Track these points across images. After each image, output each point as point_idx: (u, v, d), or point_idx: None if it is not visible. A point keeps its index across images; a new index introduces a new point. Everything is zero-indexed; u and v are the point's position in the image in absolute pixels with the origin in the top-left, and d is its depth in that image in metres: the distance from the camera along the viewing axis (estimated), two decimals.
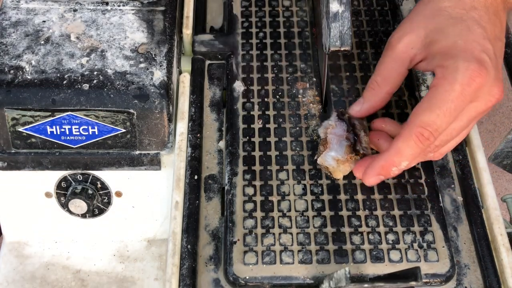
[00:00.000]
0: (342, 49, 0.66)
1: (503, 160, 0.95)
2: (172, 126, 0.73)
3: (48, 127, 0.70)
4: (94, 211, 0.78)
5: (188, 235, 0.67)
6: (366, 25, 0.83)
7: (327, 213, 0.68)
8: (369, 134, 0.70)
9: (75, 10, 0.75)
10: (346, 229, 0.67)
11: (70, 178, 0.75)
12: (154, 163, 0.73)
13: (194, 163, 0.72)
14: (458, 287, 0.66)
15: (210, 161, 0.73)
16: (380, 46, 0.80)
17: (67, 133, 0.70)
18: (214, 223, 0.69)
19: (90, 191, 0.75)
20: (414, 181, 0.70)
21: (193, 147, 0.73)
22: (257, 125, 0.74)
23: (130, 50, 0.72)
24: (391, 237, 0.66)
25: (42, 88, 0.68)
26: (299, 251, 0.65)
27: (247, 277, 0.64)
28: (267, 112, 0.75)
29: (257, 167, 0.71)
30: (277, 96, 0.76)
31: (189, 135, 0.74)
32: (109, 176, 0.75)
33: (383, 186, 0.70)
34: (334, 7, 0.65)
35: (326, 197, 0.69)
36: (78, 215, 0.78)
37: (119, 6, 0.76)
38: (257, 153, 0.72)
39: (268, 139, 0.73)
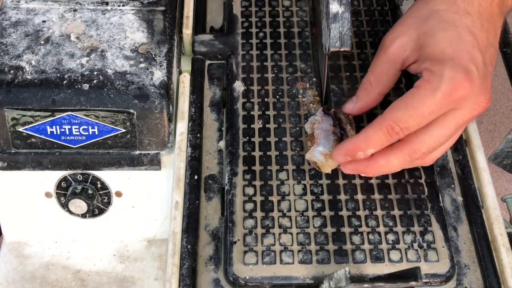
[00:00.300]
0: (342, 49, 0.66)
1: (503, 160, 0.95)
2: (172, 126, 0.73)
3: (48, 127, 0.70)
4: (94, 211, 0.78)
5: (188, 235, 0.67)
6: (366, 25, 0.83)
7: (327, 213, 0.68)
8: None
9: (75, 10, 0.75)
10: (346, 229, 0.67)
11: (70, 178, 0.75)
12: (154, 163, 0.73)
13: (194, 163, 0.72)
14: (458, 287, 0.66)
15: (210, 161, 0.73)
16: None
17: (67, 133, 0.70)
18: (214, 223, 0.69)
19: (90, 191, 0.75)
20: (414, 181, 0.70)
21: (193, 147, 0.73)
22: (257, 125, 0.74)
23: (130, 50, 0.72)
24: (391, 237, 0.66)
25: (42, 88, 0.68)
26: (299, 251, 0.65)
27: (247, 277, 0.64)
28: (267, 112, 0.75)
29: (257, 167, 0.71)
30: (277, 96, 0.76)
31: (189, 135, 0.74)
32: (109, 176, 0.75)
33: (383, 186, 0.70)
34: (334, 7, 0.65)
35: (326, 197, 0.69)
36: (78, 215, 0.78)
37: (119, 6, 0.76)
38: (257, 153, 0.72)
39: (268, 139, 0.73)
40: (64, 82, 0.69)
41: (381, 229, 0.67)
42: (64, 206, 0.77)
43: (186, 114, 0.75)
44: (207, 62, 0.81)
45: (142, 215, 0.79)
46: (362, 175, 0.69)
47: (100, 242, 0.80)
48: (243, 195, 0.69)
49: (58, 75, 0.69)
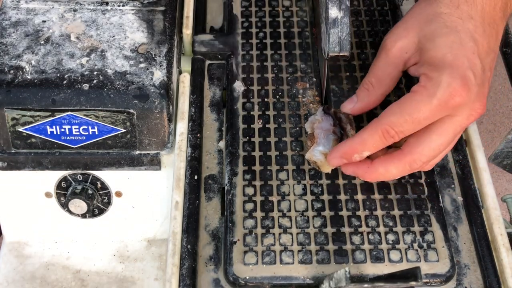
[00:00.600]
0: (341, 54, 0.67)
1: (503, 160, 0.95)
2: (172, 126, 0.73)
3: (48, 127, 0.70)
4: (94, 211, 0.78)
5: (188, 235, 0.67)
6: (366, 25, 0.83)
7: (327, 213, 0.68)
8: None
9: (75, 10, 0.75)
10: (346, 229, 0.67)
11: (70, 178, 0.75)
12: (154, 163, 0.73)
13: (194, 163, 0.72)
14: (458, 287, 0.66)
15: (210, 161, 0.73)
16: None
17: (67, 133, 0.70)
18: (214, 223, 0.69)
19: (90, 191, 0.75)
20: (414, 181, 0.70)
21: (193, 147, 0.73)
22: (257, 125, 0.74)
23: (130, 50, 0.72)
24: (391, 237, 0.66)
25: (42, 88, 0.68)
26: (299, 251, 0.65)
27: (247, 277, 0.64)
28: (267, 112, 0.75)
29: (257, 167, 0.71)
30: (277, 96, 0.76)
31: (189, 135, 0.74)
32: (109, 176, 0.75)
33: (383, 186, 0.70)
34: (333, 13, 0.65)
35: (326, 197, 0.69)
36: (78, 215, 0.78)
37: (119, 6, 0.76)
38: (257, 153, 0.72)
39: (268, 139, 0.73)
40: (64, 82, 0.69)
41: (381, 229, 0.67)
42: (64, 206, 0.77)
43: (186, 114, 0.75)
44: (207, 62, 0.81)
45: (142, 215, 0.79)
46: (361, 179, 0.69)
47: (100, 242, 0.80)
48: (243, 195, 0.69)
49: (58, 75, 0.69)
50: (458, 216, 0.71)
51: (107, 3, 0.76)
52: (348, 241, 0.66)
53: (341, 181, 0.70)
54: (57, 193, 0.76)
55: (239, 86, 0.77)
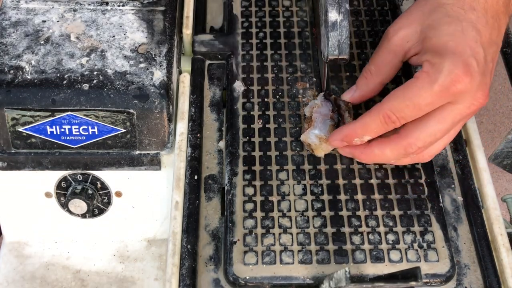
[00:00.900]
0: (340, 57, 0.68)
1: (503, 160, 0.95)
2: (172, 126, 0.73)
3: (48, 127, 0.70)
4: (94, 211, 0.78)
5: (188, 235, 0.67)
6: (366, 25, 0.83)
7: (327, 213, 0.68)
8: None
9: (75, 10, 0.75)
10: (346, 229, 0.67)
11: (70, 178, 0.75)
12: (154, 163, 0.73)
13: (194, 163, 0.72)
14: (458, 287, 0.66)
15: (210, 161, 0.73)
16: None
17: (67, 133, 0.70)
18: (214, 223, 0.69)
19: (90, 191, 0.75)
20: (414, 181, 0.70)
21: (193, 147, 0.73)
22: (257, 125, 0.74)
23: (130, 50, 0.72)
24: (391, 237, 0.66)
25: (42, 88, 0.68)
26: (299, 251, 0.65)
27: (247, 277, 0.64)
28: (267, 112, 0.75)
29: (257, 167, 0.71)
30: (277, 96, 0.76)
31: (189, 135, 0.74)
32: (109, 176, 0.75)
33: (383, 186, 0.70)
34: (333, 16, 0.66)
35: (326, 197, 0.69)
36: (78, 215, 0.78)
37: (119, 6, 0.76)
38: (257, 153, 0.72)
39: (268, 139, 0.73)
40: (64, 82, 0.69)
41: (381, 229, 0.67)
42: (64, 206, 0.77)
43: (186, 114, 0.75)
44: (207, 62, 0.81)
45: (142, 215, 0.79)
46: (357, 160, 0.70)
47: (100, 242, 0.80)
48: (243, 195, 0.69)
49: (58, 75, 0.69)
50: (458, 216, 0.71)
51: (107, 3, 0.76)
52: (348, 241, 0.66)
53: (341, 181, 0.70)
54: (57, 193, 0.76)
55: (239, 86, 0.77)
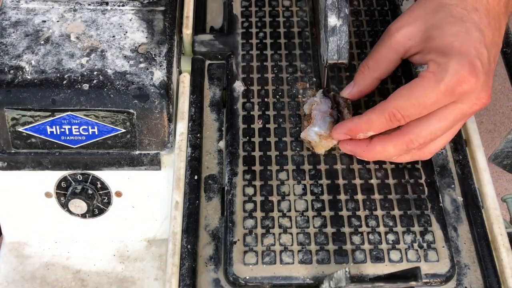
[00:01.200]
0: (339, 62, 0.68)
1: (503, 160, 0.95)
2: (172, 126, 0.73)
3: (48, 127, 0.70)
4: (94, 211, 0.78)
5: (188, 235, 0.67)
6: (366, 25, 0.83)
7: (327, 213, 0.68)
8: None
9: (75, 10, 0.75)
10: (346, 229, 0.67)
11: (70, 178, 0.75)
12: (154, 163, 0.73)
13: (194, 163, 0.72)
14: (458, 287, 0.66)
15: (210, 161, 0.73)
16: None
17: (67, 133, 0.70)
18: (214, 223, 0.69)
19: (90, 191, 0.75)
20: (414, 181, 0.70)
21: (193, 147, 0.73)
22: (257, 125, 0.74)
23: (130, 50, 0.72)
24: (391, 237, 0.66)
25: (42, 88, 0.68)
26: (299, 251, 0.65)
27: (247, 277, 0.64)
28: (267, 112, 0.75)
29: (257, 167, 0.71)
30: (277, 96, 0.76)
31: (189, 135, 0.74)
32: (109, 176, 0.75)
33: (383, 186, 0.70)
34: (332, 21, 0.66)
35: (326, 197, 0.69)
36: (78, 215, 0.78)
37: (119, 6, 0.76)
38: (257, 153, 0.72)
39: (268, 139, 0.73)
40: (64, 82, 0.69)
41: (381, 229, 0.67)
42: (64, 206, 0.77)
43: (186, 114, 0.75)
44: (207, 62, 0.81)
45: (142, 215, 0.79)
46: (358, 157, 0.70)
47: (100, 242, 0.80)
48: (243, 195, 0.69)
49: (58, 75, 0.69)
50: (458, 216, 0.71)
51: (107, 3, 0.76)
52: (348, 241, 0.66)
53: (341, 181, 0.70)
54: (57, 193, 0.76)
55: (239, 86, 0.77)
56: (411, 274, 0.56)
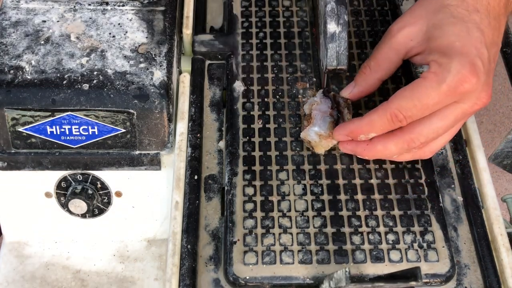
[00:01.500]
0: (338, 68, 0.68)
1: (503, 160, 0.95)
2: (172, 126, 0.73)
3: (48, 127, 0.70)
4: (94, 211, 0.78)
5: (188, 235, 0.67)
6: (366, 25, 0.83)
7: (327, 213, 0.68)
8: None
9: (75, 10, 0.75)
10: (346, 229, 0.67)
11: (70, 178, 0.75)
12: (154, 163, 0.73)
13: (194, 163, 0.72)
14: (458, 287, 0.66)
15: (210, 161, 0.73)
16: None
17: (67, 133, 0.70)
18: (214, 223, 0.69)
19: (90, 191, 0.75)
20: (414, 181, 0.70)
21: (193, 147, 0.73)
22: (257, 125, 0.74)
23: (130, 50, 0.72)
24: (391, 237, 0.66)
25: (42, 88, 0.68)
26: (299, 251, 0.65)
27: (247, 277, 0.64)
28: (267, 112, 0.75)
29: (257, 167, 0.71)
30: (277, 96, 0.76)
31: (189, 135, 0.74)
32: (109, 176, 0.75)
33: (383, 186, 0.70)
34: (332, 27, 0.67)
35: (326, 197, 0.69)
36: (78, 215, 0.78)
37: (119, 6, 0.76)
38: (257, 153, 0.72)
39: (268, 139, 0.73)
40: (64, 82, 0.69)
41: (381, 229, 0.67)
42: (64, 206, 0.77)
43: (186, 114, 0.75)
44: (207, 62, 0.81)
45: (142, 215, 0.79)
46: (359, 156, 0.70)
47: (100, 242, 0.80)
48: (243, 195, 0.69)
49: (58, 75, 0.69)
50: (458, 216, 0.71)
51: (107, 3, 0.76)
52: (348, 241, 0.66)
53: (341, 181, 0.70)
54: (57, 193, 0.76)
55: (239, 86, 0.77)
56: (411, 274, 0.56)
